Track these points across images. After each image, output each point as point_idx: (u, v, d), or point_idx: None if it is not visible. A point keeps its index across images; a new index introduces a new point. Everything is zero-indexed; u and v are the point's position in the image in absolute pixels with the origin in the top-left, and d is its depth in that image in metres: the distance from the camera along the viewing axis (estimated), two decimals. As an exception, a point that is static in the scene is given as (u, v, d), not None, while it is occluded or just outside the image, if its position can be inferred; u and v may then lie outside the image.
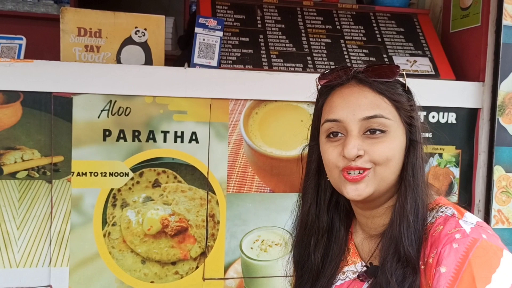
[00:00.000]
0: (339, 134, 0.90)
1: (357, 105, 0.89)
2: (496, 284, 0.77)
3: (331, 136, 0.91)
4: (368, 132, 0.88)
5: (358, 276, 0.95)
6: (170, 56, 2.85)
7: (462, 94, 1.82)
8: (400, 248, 0.85)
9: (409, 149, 0.91)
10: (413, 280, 0.84)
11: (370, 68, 0.92)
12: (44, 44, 1.84)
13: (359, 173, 0.88)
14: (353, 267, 0.98)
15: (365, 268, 0.95)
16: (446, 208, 0.89)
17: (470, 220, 0.86)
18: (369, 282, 0.92)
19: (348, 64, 0.94)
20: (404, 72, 0.94)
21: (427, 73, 1.87)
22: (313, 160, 1.00)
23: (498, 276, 0.78)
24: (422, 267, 0.84)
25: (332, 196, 1.01)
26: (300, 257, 1.04)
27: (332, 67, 1.78)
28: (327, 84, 0.95)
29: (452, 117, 1.82)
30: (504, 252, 0.81)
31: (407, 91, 0.95)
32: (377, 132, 0.88)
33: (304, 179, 1.04)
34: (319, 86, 0.98)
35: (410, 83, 1.72)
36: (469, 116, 1.84)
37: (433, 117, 1.80)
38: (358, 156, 0.87)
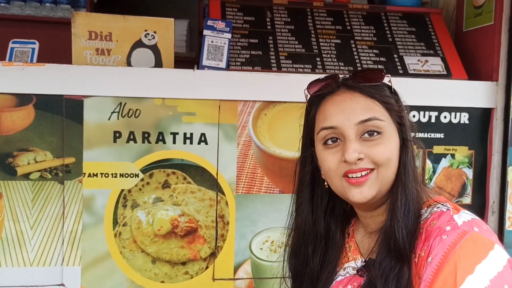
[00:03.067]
0: (338, 140, 0.92)
1: (351, 110, 0.91)
2: (479, 275, 0.76)
3: (329, 142, 0.93)
4: (366, 135, 0.90)
5: (357, 271, 0.96)
6: (184, 58, 2.88)
7: (475, 94, 1.79)
8: (390, 241, 0.87)
9: (401, 148, 0.93)
10: (399, 269, 0.84)
11: (357, 74, 0.95)
12: (61, 48, 1.87)
13: (362, 175, 0.89)
14: (353, 263, 0.99)
15: (364, 263, 0.96)
16: (442, 204, 0.90)
17: (464, 215, 0.86)
18: (367, 277, 0.93)
19: (335, 73, 0.97)
20: (389, 75, 0.96)
21: (438, 73, 1.84)
22: (307, 170, 1.02)
23: (482, 267, 0.76)
24: (416, 260, 0.85)
25: (328, 203, 1.03)
26: (299, 266, 1.05)
27: (341, 67, 1.78)
28: (317, 93, 0.97)
29: (464, 117, 1.79)
30: (495, 246, 0.80)
31: (394, 93, 0.96)
32: (375, 134, 0.90)
33: (298, 190, 1.05)
34: (308, 96, 1.00)
35: (422, 83, 1.73)
36: (482, 116, 1.81)
37: (445, 117, 1.78)
38: (359, 159, 0.89)
